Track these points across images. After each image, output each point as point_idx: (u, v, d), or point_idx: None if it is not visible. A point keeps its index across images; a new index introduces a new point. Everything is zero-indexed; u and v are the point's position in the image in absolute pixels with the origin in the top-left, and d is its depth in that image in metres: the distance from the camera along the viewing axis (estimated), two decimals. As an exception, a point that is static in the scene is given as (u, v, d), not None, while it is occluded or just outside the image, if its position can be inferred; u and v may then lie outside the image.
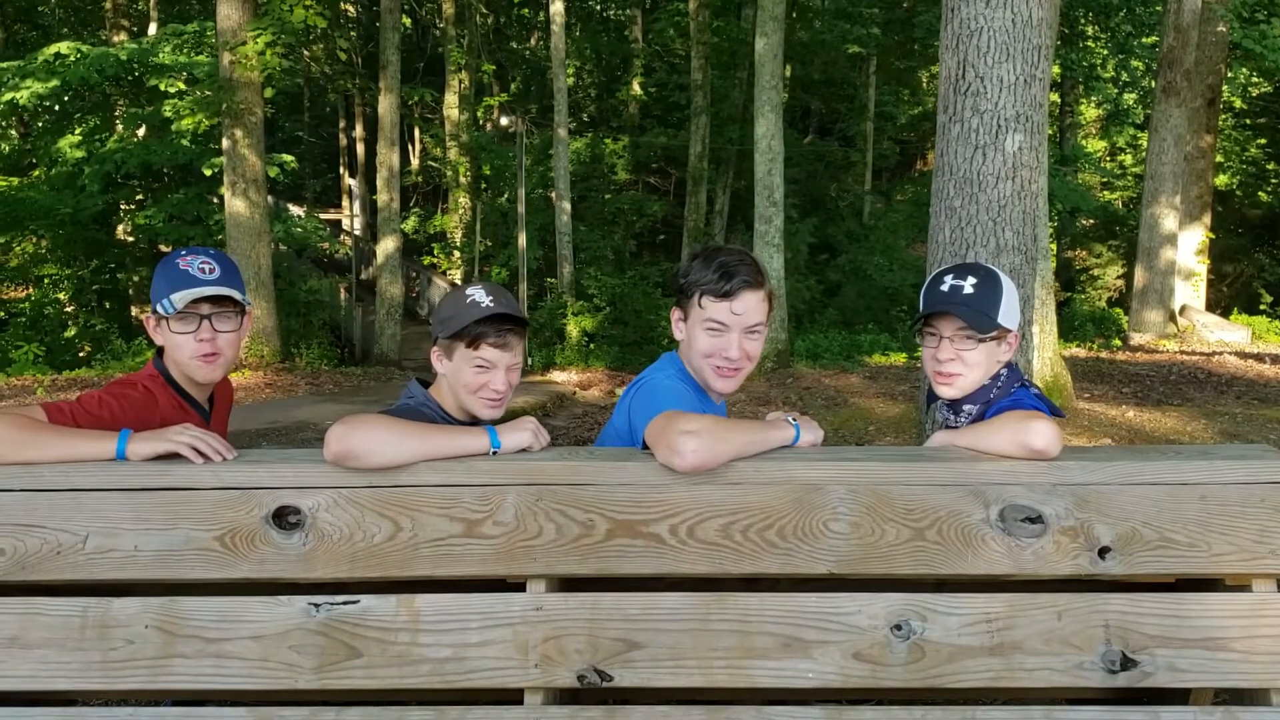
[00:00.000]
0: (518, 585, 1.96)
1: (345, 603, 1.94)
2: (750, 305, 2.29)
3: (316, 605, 1.94)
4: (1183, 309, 15.55)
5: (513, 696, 1.93)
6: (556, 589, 1.96)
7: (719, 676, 1.90)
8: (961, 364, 2.29)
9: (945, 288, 2.31)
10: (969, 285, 2.29)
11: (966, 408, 2.32)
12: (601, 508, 1.94)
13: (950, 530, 1.92)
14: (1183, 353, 12.83)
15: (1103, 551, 1.91)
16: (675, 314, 2.42)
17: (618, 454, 2.05)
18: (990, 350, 2.28)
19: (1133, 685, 1.88)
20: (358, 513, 1.94)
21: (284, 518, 1.95)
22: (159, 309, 2.23)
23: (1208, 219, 16.51)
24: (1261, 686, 1.90)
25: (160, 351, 2.32)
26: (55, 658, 1.93)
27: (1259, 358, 12.10)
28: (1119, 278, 25.73)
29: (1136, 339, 14.63)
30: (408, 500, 1.95)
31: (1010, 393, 2.29)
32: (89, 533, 1.95)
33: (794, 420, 2.14)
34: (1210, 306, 17.52)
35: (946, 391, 2.33)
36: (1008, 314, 2.28)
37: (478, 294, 2.24)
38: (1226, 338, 14.67)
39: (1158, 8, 18.78)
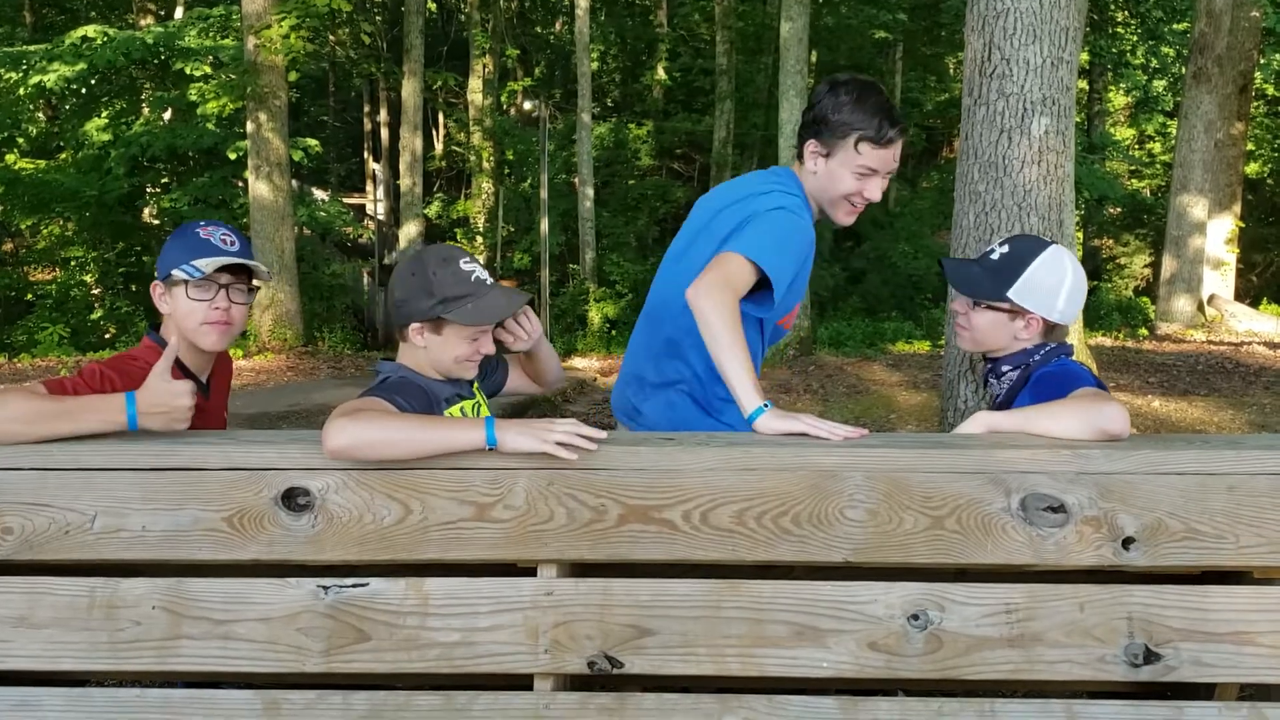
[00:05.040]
0: (528, 570, 1.93)
1: (354, 585, 1.91)
2: (899, 151, 2.42)
3: (325, 587, 1.91)
4: (1211, 298, 15.35)
5: (522, 682, 1.90)
6: (567, 574, 1.93)
7: (731, 665, 1.87)
8: (966, 320, 2.35)
9: (988, 248, 2.39)
10: (997, 252, 2.33)
11: (1006, 370, 2.33)
12: (614, 493, 1.91)
13: (970, 519, 1.88)
14: (1210, 342, 12.68)
15: (1126, 542, 1.86)
16: (813, 146, 2.44)
17: (630, 439, 2.02)
18: (997, 320, 2.30)
19: (1156, 679, 1.83)
20: (367, 495, 1.92)
21: (293, 499, 1.92)
22: (180, 273, 2.22)
23: (1238, 207, 16.28)
24: (1289, 682, 1.85)
25: (155, 326, 2.32)
26: (62, 637, 1.92)
27: (1289, 348, 11.93)
28: (1146, 266, 25.46)
29: (1164, 328, 14.47)
30: (418, 483, 1.92)
31: (1053, 361, 2.28)
32: (97, 512, 1.94)
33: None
34: (1239, 296, 17.28)
35: (957, 340, 2.43)
36: (1029, 294, 2.26)
37: (475, 269, 2.24)
38: (1256, 327, 14.47)
39: (1189, -7, 18.52)
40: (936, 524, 1.88)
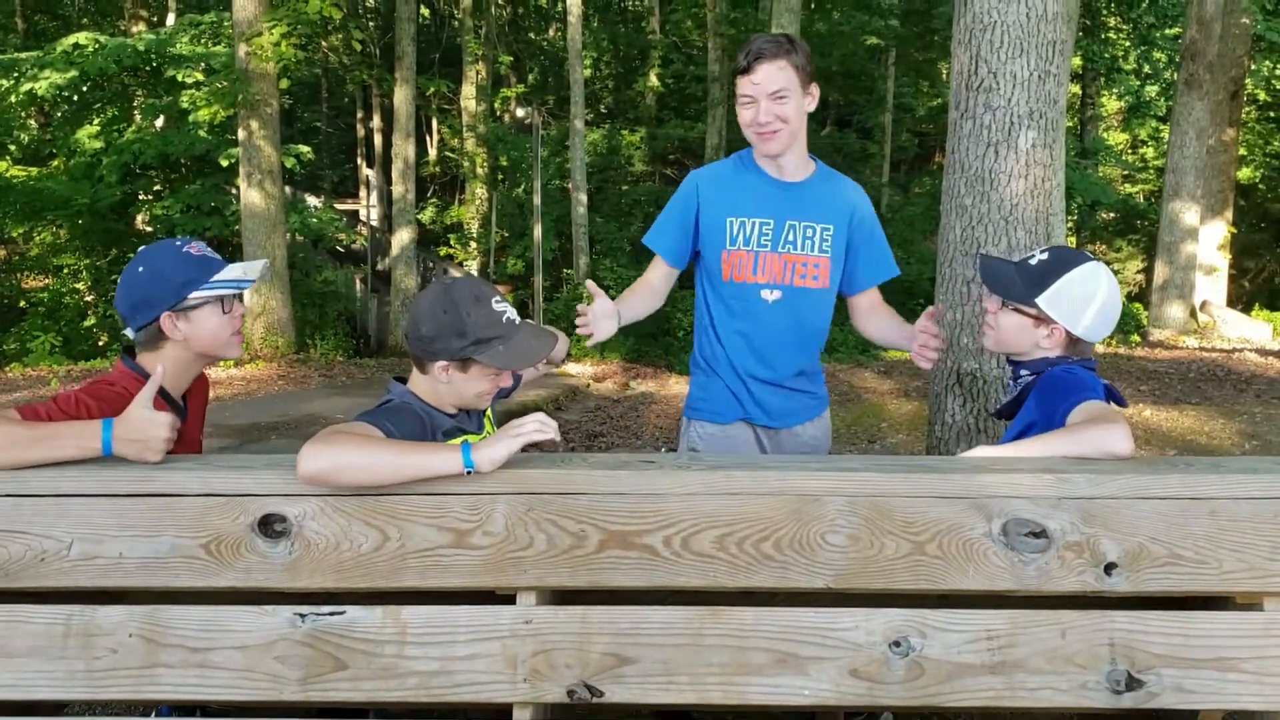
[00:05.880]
0: (507, 597, 1.92)
1: (331, 613, 1.90)
2: (768, 74, 2.64)
3: (302, 615, 1.90)
4: (1203, 304, 15.39)
5: (501, 711, 1.89)
6: (547, 601, 1.91)
7: (712, 693, 1.86)
8: (994, 319, 2.37)
9: (1027, 254, 2.45)
10: (1036, 258, 2.33)
11: (1023, 374, 2.36)
12: (594, 518, 1.90)
13: (951, 544, 1.87)
14: (1202, 349, 12.70)
15: (1109, 568, 1.85)
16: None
17: (611, 462, 2.01)
18: (1022, 324, 2.31)
19: (1138, 706, 1.82)
20: (345, 521, 1.90)
21: (270, 526, 1.91)
22: (210, 290, 2.20)
23: (1229, 213, 16.33)
24: (1272, 709, 1.84)
25: (129, 351, 2.28)
26: (38, 666, 1.90)
27: (1280, 354, 11.95)
28: (1139, 272, 25.46)
29: (1156, 335, 14.50)
30: (395, 509, 1.90)
31: (1063, 364, 2.28)
32: (73, 539, 1.92)
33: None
34: (1231, 302, 17.34)
35: (981, 338, 2.45)
36: (1057, 303, 2.26)
37: (506, 308, 2.18)
38: (1248, 334, 14.51)
39: (1181, -1, 18.56)
40: (918, 549, 1.87)
